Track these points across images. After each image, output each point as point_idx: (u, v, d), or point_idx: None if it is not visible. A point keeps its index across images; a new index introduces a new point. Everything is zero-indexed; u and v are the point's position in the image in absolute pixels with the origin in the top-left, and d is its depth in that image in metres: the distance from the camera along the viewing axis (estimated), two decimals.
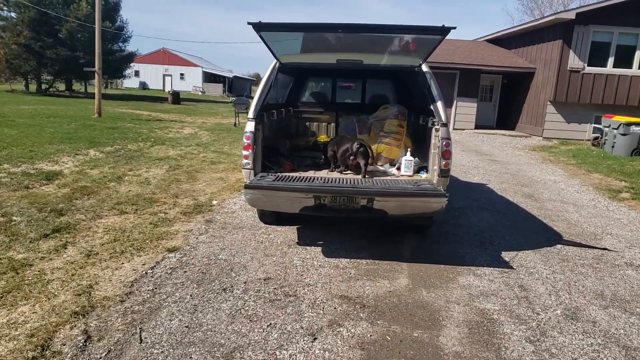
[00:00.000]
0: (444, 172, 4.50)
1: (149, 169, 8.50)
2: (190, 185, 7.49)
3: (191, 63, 61.17)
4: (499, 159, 12.38)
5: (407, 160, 5.05)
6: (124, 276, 3.91)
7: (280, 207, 4.66)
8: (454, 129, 19.61)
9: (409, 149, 5.22)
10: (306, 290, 3.80)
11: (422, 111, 5.42)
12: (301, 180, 4.45)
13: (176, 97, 31.77)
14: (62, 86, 37.82)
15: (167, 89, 47.89)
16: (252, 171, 4.57)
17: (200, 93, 55.62)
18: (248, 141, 4.50)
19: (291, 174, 4.76)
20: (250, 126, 4.55)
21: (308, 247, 4.82)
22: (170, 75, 58.93)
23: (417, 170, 5.14)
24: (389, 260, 4.55)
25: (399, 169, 5.20)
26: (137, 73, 58.15)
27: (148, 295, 3.57)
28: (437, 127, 4.61)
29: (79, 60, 29.83)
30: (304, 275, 4.10)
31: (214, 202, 6.45)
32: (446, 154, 4.47)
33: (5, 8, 30.78)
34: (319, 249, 4.80)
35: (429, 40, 4.46)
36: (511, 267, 4.56)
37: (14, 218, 5.19)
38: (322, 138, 6.74)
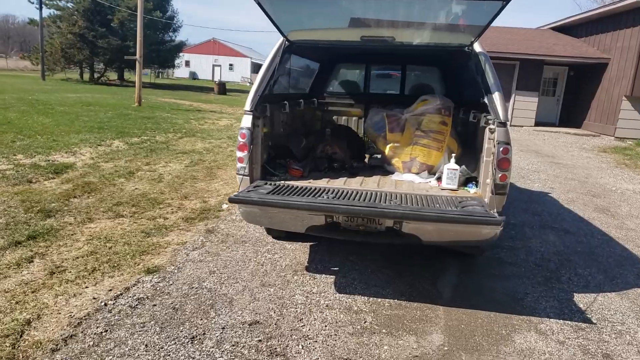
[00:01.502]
0: (500, 188, 3.34)
1: (168, 163, 7.82)
2: (206, 184, 6.71)
3: (240, 54, 61.27)
4: (563, 162, 10.82)
5: (451, 169, 3.87)
6: (78, 308, 3.10)
7: (282, 225, 3.70)
8: (510, 125, 17.86)
9: (453, 154, 4.01)
10: (300, 346, 2.81)
11: (473, 105, 4.24)
12: (306, 193, 3.42)
13: (222, 88, 31.62)
14: (113, 75, 38.62)
15: (216, 79, 48.13)
16: (248, 177, 3.60)
17: (248, 84, 55.59)
18: (243, 140, 3.53)
19: (296, 184, 3.71)
20: (246, 121, 3.57)
21: (318, 276, 3.81)
22: (220, 66, 59.28)
23: (464, 183, 3.96)
24: (421, 302, 3.46)
25: (439, 179, 4.05)
26: (187, 63, 58.94)
27: (92, 342, 2.72)
28: (492, 126, 3.45)
29: (129, 50, 29.98)
30: (303, 320, 3.11)
31: (224, 207, 5.61)
32: (503, 164, 3.33)
33: None
34: (332, 278, 3.79)
35: (485, 7, 3.27)
36: (589, 321, 3.35)
37: None
38: None
